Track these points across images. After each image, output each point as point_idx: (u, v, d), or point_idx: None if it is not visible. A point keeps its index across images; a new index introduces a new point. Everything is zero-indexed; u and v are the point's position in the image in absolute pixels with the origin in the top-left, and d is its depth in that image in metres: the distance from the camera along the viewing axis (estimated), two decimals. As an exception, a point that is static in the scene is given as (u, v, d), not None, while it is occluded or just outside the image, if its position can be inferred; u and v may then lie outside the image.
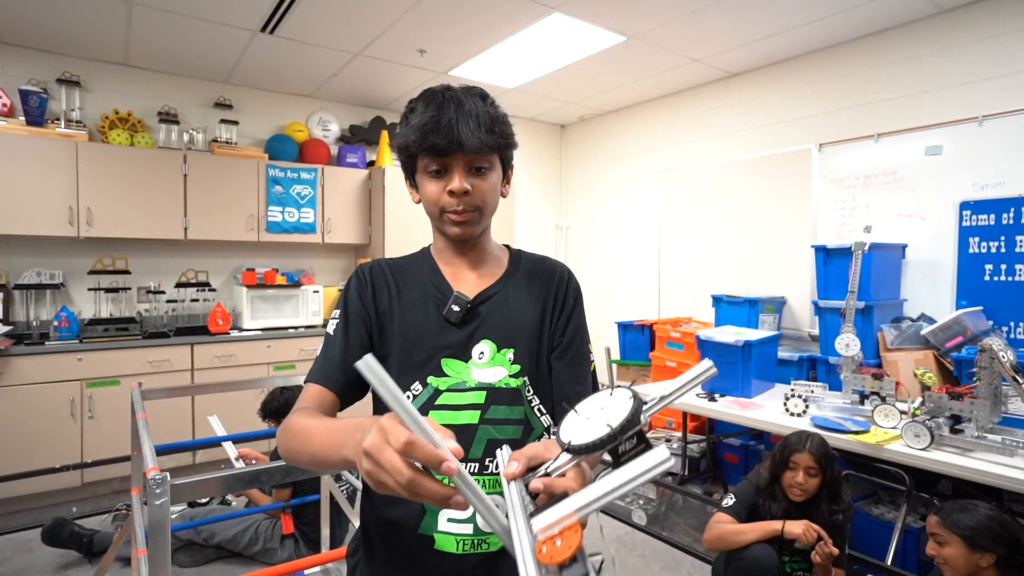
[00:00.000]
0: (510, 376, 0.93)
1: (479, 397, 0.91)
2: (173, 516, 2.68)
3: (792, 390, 2.53)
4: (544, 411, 0.96)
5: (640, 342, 4.13)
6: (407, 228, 4.35)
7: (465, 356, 0.93)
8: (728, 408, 2.66)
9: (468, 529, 0.90)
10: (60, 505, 3.21)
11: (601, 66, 3.85)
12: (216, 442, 2.76)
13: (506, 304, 0.98)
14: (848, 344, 2.38)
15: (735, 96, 4.00)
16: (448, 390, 0.92)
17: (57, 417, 3.22)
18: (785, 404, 2.49)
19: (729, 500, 2.14)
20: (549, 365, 0.98)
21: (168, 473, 1.24)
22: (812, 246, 3.20)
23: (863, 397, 2.37)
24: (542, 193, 5.30)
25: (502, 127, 0.92)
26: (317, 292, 4.14)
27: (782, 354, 3.22)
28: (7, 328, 3.22)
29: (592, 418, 0.58)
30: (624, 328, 4.22)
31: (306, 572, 2.50)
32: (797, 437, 2.07)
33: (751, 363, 2.83)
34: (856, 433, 2.13)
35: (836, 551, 1.88)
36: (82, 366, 3.29)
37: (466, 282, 0.99)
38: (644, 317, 4.51)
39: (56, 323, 3.38)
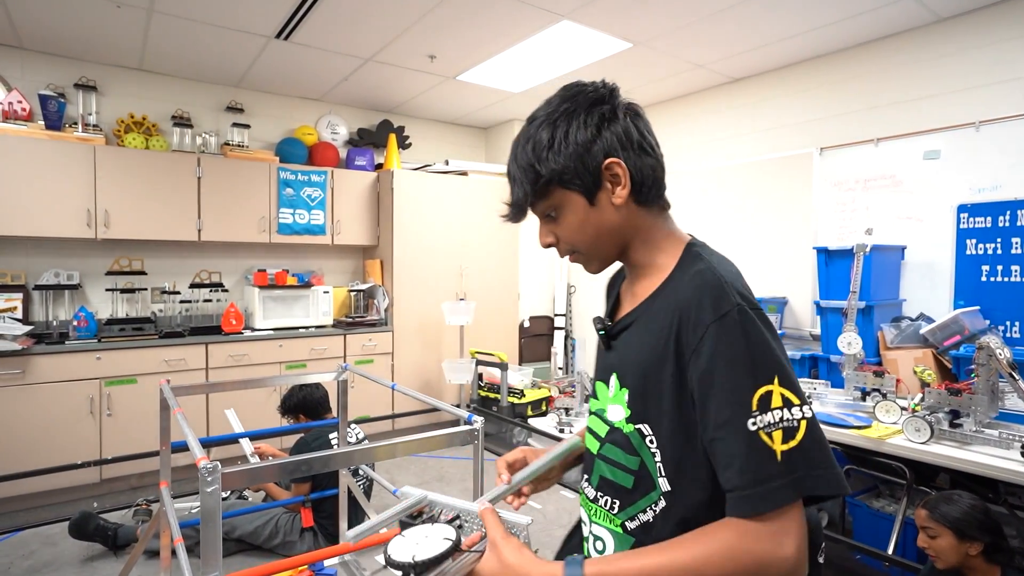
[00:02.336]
0: (625, 419, 0.83)
1: (603, 429, 0.88)
2: (194, 511, 2.76)
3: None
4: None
5: (645, 341, 4.21)
6: (415, 230, 4.43)
7: (607, 383, 0.88)
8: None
9: None
10: (80, 501, 3.28)
11: (606, 71, 3.93)
12: (234, 438, 2.83)
13: (638, 331, 0.84)
14: (850, 343, 2.47)
15: (738, 101, 4.09)
16: (592, 413, 0.93)
17: (77, 415, 3.29)
18: (789, 400, 2.57)
19: None
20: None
21: (219, 462, 1.32)
22: (814, 247, 3.29)
23: (864, 394, 2.45)
24: (546, 195, 5.38)
25: (528, 174, 0.82)
26: (327, 292, 4.22)
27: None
28: (28, 328, 3.29)
29: (413, 543, 0.75)
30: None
31: (325, 563, 2.58)
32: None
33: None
34: (858, 428, 2.22)
35: None
36: (100, 365, 3.36)
37: (627, 301, 0.91)
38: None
39: (75, 323, 3.45)
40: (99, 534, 2.68)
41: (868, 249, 2.59)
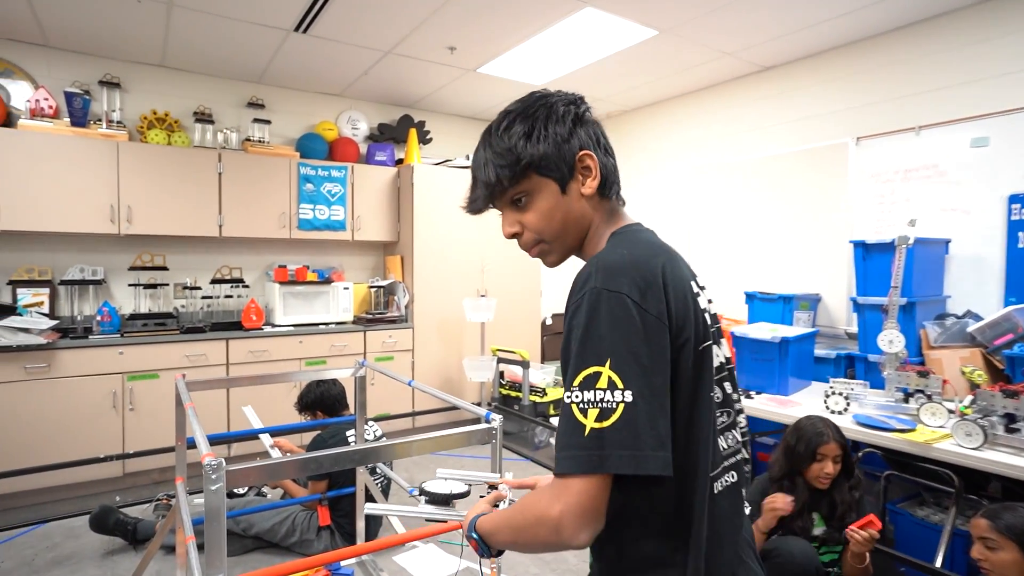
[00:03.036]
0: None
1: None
2: (212, 507, 2.73)
3: (831, 387, 2.48)
4: None
5: (670, 339, 4.08)
6: (435, 225, 4.37)
7: None
8: (765, 405, 2.62)
9: None
10: (103, 494, 3.30)
11: (631, 61, 3.82)
12: (253, 434, 2.81)
13: None
14: (892, 340, 2.33)
15: (768, 90, 3.94)
16: None
17: (100, 409, 3.31)
18: (825, 402, 2.44)
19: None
20: None
21: (223, 459, 1.27)
22: (850, 241, 3.14)
23: (907, 395, 2.31)
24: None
25: (506, 157, 0.86)
26: (347, 289, 4.19)
27: (818, 351, 3.16)
28: (53, 322, 3.32)
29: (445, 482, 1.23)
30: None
31: (342, 563, 2.54)
32: (814, 427, 2.07)
33: (788, 360, 2.79)
34: (902, 432, 2.08)
35: (878, 526, 1.87)
36: (123, 360, 3.37)
37: None
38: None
39: (99, 318, 3.47)
40: (119, 528, 2.68)
41: (911, 241, 2.44)
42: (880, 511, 2.44)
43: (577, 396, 0.73)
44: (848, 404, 2.39)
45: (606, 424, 0.70)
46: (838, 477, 2.03)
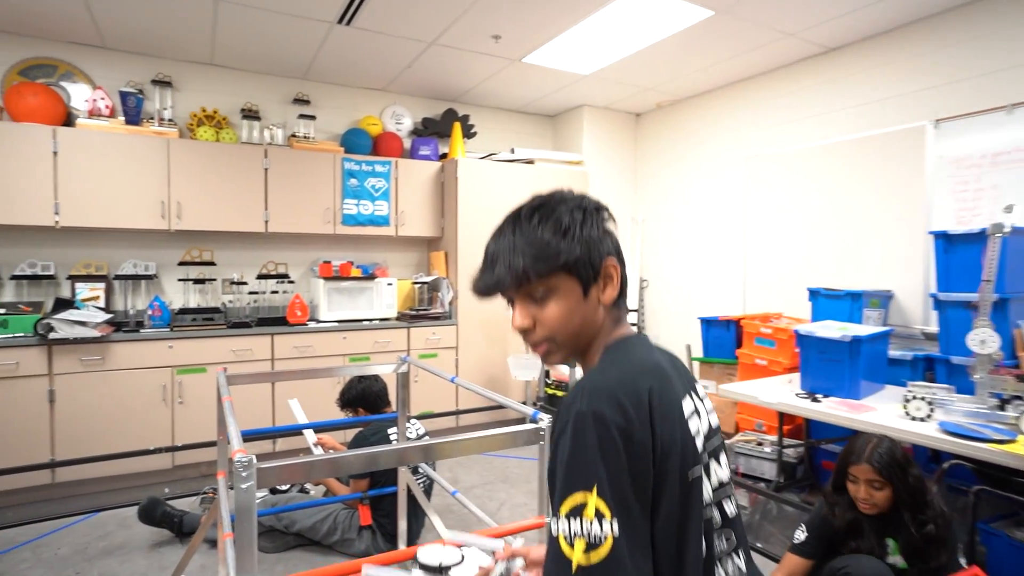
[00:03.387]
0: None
1: None
2: (256, 501, 2.72)
3: (911, 392, 2.25)
4: None
5: (725, 339, 3.88)
6: (479, 220, 4.29)
7: None
8: (834, 410, 2.41)
9: None
10: (153, 486, 3.35)
11: (684, 46, 3.63)
12: (296, 429, 2.78)
13: None
14: (984, 340, 2.09)
15: (832, 73, 3.68)
16: None
17: (151, 402, 3.36)
18: (905, 407, 2.22)
19: (800, 534, 1.95)
20: None
21: (254, 456, 1.19)
22: (930, 232, 2.87)
23: (1003, 401, 2.07)
24: (617, 185, 5.12)
25: (540, 248, 0.83)
26: (391, 285, 4.15)
27: (892, 352, 2.90)
28: (108, 316, 3.39)
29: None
30: (708, 324, 3.99)
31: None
32: (856, 443, 1.87)
33: (859, 361, 2.56)
34: (999, 442, 1.86)
35: None
36: (172, 353, 3.42)
37: None
38: (728, 312, 4.24)
39: (150, 312, 3.53)
40: (166, 520, 2.69)
41: (1008, 230, 2.18)
42: (969, 530, 2.19)
43: (564, 526, 0.71)
44: (932, 410, 2.16)
45: (593, 561, 0.68)
46: (897, 509, 1.79)
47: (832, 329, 2.70)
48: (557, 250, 0.83)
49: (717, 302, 4.45)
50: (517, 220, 0.88)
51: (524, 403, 4.31)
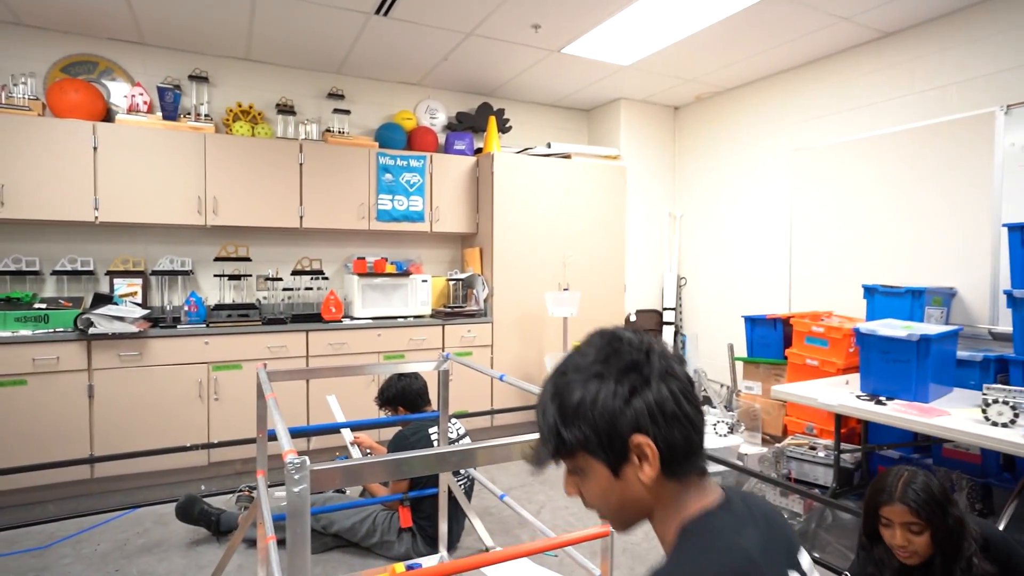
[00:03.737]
0: None
1: None
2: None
3: (990, 395, 2.09)
4: None
5: (771, 338, 3.72)
6: (515, 216, 4.20)
7: None
8: (903, 413, 2.25)
9: None
10: (190, 483, 3.34)
11: (729, 33, 3.49)
12: (333, 428, 2.72)
13: None
14: (1077, 340, 1.92)
15: (889, 59, 3.50)
16: None
17: (187, 398, 3.35)
18: (984, 412, 2.06)
19: None
20: None
21: (307, 457, 1.12)
22: (1004, 225, 2.69)
23: (1099, 406, 1.90)
24: (654, 180, 4.98)
25: (550, 429, 0.77)
26: (426, 282, 4.08)
27: (960, 353, 2.73)
28: (145, 312, 3.39)
29: None
30: (752, 323, 3.83)
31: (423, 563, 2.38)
32: (888, 477, 1.59)
33: (928, 362, 2.40)
34: (1100, 451, 1.69)
35: None
36: (208, 350, 3.40)
37: None
38: (772, 310, 4.08)
39: (186, 308, 3.52)
40: (203, 519, 2.66)
41: (1103, 220, 2.01)
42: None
43: None
44: (1017, 415, 2.00)
45: None
46: (935, 556, 1.51)
47: (896, 328, 2.54)
48: (563, 435, 0.76)
49: (760, 300, 4.29)
50: (544, 392, 0.80)
51: (560, 403, 4.20)
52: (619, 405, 0.72)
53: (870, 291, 3.18)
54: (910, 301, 2.99)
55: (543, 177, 4.31)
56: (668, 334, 4.86)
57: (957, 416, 2.20)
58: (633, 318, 4.80)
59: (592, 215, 4.48)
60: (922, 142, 3.28)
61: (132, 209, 3.40)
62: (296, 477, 1.10)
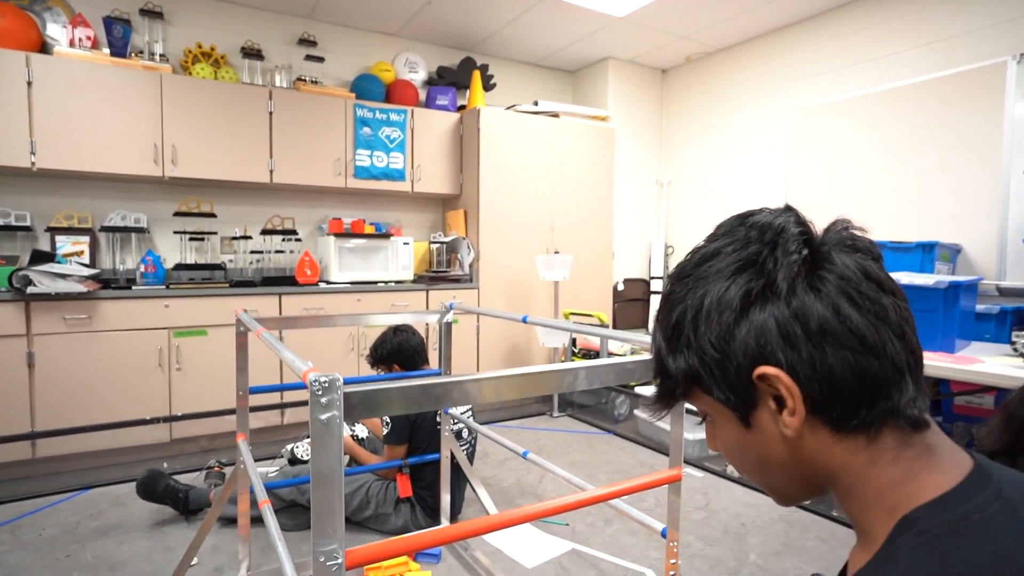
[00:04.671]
0: None
1: None
2: (272, 474, 2.39)
3: (1019, 342, 1.99)
4: None
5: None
6: (502, 177, 3.96)
7: None
8: (933, 361, 2.14)
9: None
10: (150, 461, 2.99)
11: (734, -21, 3.32)
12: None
13: None
14: None
15: (892, 11, 3.40)
16: None
17: (145, 367, 2.99)
18: (1018, 350, 1.96)
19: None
20: None
21: (339, 375, 0.87)
22: (1025, 172, 2.61)
23: None
24: (641, 147, 4.81)
25: (657, 359, 0.58)
26: (407, 244, 3.80)
27: (977, 307, 2.66)
28: (94, 271, 3.01)
29: None
30: (751, 285, 3.71)
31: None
32: None
33: (955, 312, 2.30)
34: None
35: None
36: (169, 314, 3.04)
37: (850, 561, 0.57)
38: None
39: (142, 268, 3.15)
40: (169, 496, 2.34)
41: None
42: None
43: None
44: (1062, 358, 1.90)
45: None
46: None
47: (917, 276, 2.44)
48: (664, 367, 0.57)
49: (754, 266, 4.19)
50: (669, 283, 0.59)
51: (551, 373, 4.01)
52: (728, 319, 0.51)
53: (879, 247, 3.08)
54: (920, 256, 2.90)
55: (531, 136, 4.08)
56: (655, 303, 4.72)
57: (991, 364, 2.10)
58: (621, 287, 4.64)
59: (581, 179, 4.28)
60: (927, 96, 3.20)
61: (76, 156, 3.00)
62: (323, 401, 0.86)
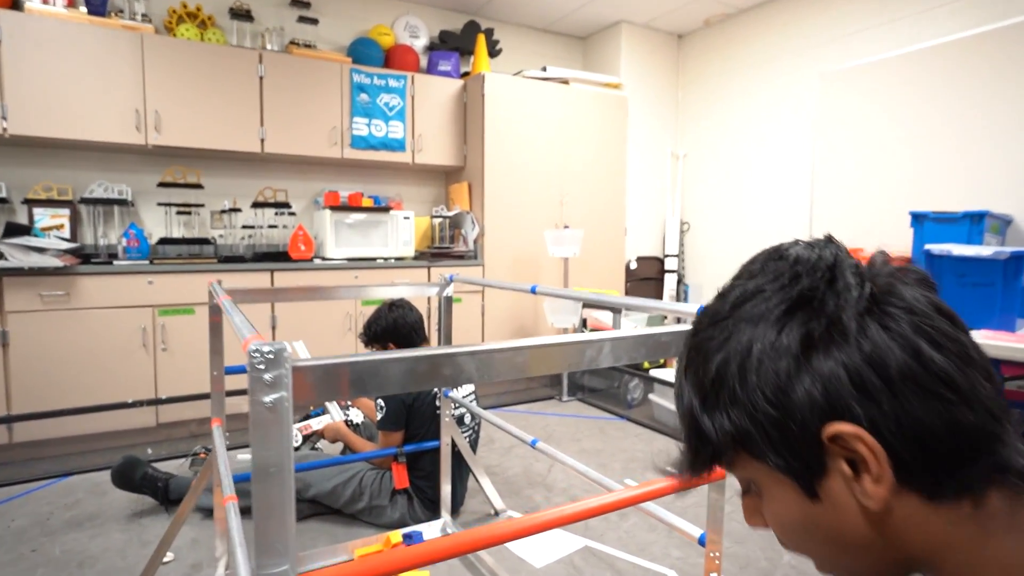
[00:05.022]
0: None
1: None
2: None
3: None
4: None
5: (797, 279, 3.36)
6: (508, 148, 3.72)
7: None
8: (995, 340, 1.91)
9: None
10: (135, 447, 2.82)
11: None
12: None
13: None
14: None
15: (934, -37, 3.11)
16: None
17: (128, 347, 2.81)
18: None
19: None
20: None
21: (289, 344, 0.66)
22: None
23: None
24: (655, 118, 4.54)
25: (694, 420, 0.47)
26: (408, 219, 3.58)
27: None
28: (73, 245, 2.82)
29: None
30: (775, 262, 3.47)
31: (424, 535, 1.96)
32: None
33: (1017, 285, 2.06)
34: None
35: None
36: (153, 291, 2.85)
37: None
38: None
39: (125, 242, 2.95)
40: (147, 485, 2.17)
41: None
42: None
43: None
44: None
45: None
46: None
47: (974, 248, 2.20)
48: (699, 429, 0.47)
49: (776, 239, 3.93)
50: (687, 340, 0.51)
51: (561, 355, 3.80)
52: (786, 368, 0.42)
53: (919, 218, 2.82)
54: (967, 227, 2.64)
55: (539, 105, 3.83)
56: (670, 283, 4.49)
57: (1059, 343, 1.86)
58: (634, 266, 4.41)
59: (592, 150, 4.04)
60: (973, 54, 2.92)
61: (51, 121, 2.80)
62: (268, 378, 0.65)
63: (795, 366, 0.41)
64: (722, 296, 0.48)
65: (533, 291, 1.48)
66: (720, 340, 0.45)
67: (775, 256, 0.47)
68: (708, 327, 0.47)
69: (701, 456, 0.48)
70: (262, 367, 0.64)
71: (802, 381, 0.41)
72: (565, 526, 2.11)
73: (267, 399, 0.63)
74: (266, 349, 0.64)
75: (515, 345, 0.85)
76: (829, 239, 0.47)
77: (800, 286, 0.43)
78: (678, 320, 3.69)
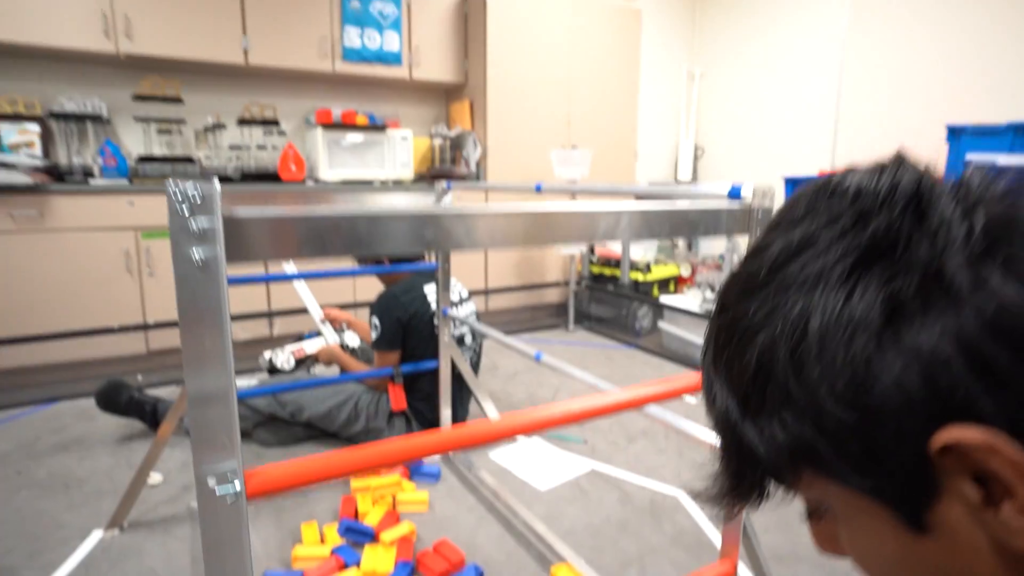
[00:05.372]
0: None
1: None
2: (251, 384, 2.11)
3: None
4: None
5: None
6: (512, 63, 3.45)
7: None
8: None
9: None
10: (125, 374, 2.72)
11: None
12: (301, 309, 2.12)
13: None
14: None
15: None
16: None
17: (112, 272, 2.67)
18: None
19: None
20: None
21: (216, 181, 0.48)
22: None
23: None
24: (671, 34, 4.22)
25: (730, 427, 0.33)
26: (406, 139, 3.36)
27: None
28: (44, 162, 2.63)
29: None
30: (795, 186, 3.27)
31: (425, 461, 1.88)
32: None
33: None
34: None
35: None
36: (134, 212, 2.69)
37: None
38: (817, 169, 3.52)
39: (101, 160, 2.76)
40: (133, 408, 2.07)
41: None
42: None
43: None
44: None
45: None
46: None
47: (1019, 158, 2.00)
48: (740, 439, 0.33)
49: (797, 159, 3.72)
50: (712, 320, 0.35)
51: (567, 283, 3.68)
52: (863, 348, 0.27)
53: (956, 132, 2.61)
54: (1011, 139, 2.43)
55: (545, 17, 3.53)
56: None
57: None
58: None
59: (602, 67, 3.75)
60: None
61: (7, 20, 2.55)
62: (195, 227, 0.50)
63: (877, 345, 0.27)
64: (754, 254, 0.33)
65: (538, 189, 1.31)
66: (760, 316, 0.31)
67: (826, 191, 0.32)
68: (740, 299, 0.33)
69: (747, 479, 0.35)
70: (187, 212, 0.48)
71: (890, 366, 0.27)
72: (566, 436, 2.03)
73: (197, 255, 0.47)
74: (193, 190, 0.48)
75: (515, 211, 0.70)
76: (901, 158, 0.31)
77: (873, 228, 0.29)
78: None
